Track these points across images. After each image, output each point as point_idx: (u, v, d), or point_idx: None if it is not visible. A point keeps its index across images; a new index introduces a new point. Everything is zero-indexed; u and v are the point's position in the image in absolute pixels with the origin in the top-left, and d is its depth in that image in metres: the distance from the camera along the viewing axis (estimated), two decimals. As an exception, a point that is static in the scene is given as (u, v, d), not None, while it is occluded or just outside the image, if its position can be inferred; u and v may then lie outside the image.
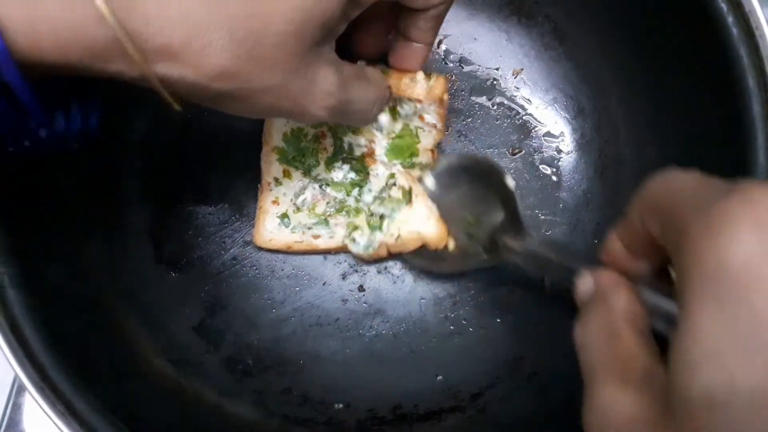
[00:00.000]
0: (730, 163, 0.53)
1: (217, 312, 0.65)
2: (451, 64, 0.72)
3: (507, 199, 0.61)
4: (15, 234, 0.49)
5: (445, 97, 0.64)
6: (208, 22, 0.34)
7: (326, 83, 0.42)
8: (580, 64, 0.69)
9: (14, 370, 0.46)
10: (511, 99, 0.71)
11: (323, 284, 0.67)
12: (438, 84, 0.63)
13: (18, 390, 0.66)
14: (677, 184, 0.31)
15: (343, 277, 0.68)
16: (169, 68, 0.35)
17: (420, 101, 0.63)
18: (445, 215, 0.63)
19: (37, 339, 0.48)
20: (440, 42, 0.72)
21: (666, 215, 0.30)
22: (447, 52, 0.72)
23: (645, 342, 0.31)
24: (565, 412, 0.56)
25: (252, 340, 0.64)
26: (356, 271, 0.68)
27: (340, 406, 0.62)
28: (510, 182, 0.62)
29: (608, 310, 0.34)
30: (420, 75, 0.62)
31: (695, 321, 0.24)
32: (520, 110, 0.71)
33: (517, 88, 0.71)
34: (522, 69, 0.71)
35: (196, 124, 0.67)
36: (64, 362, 0.48)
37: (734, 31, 0.53)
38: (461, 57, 0.72)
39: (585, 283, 0.38)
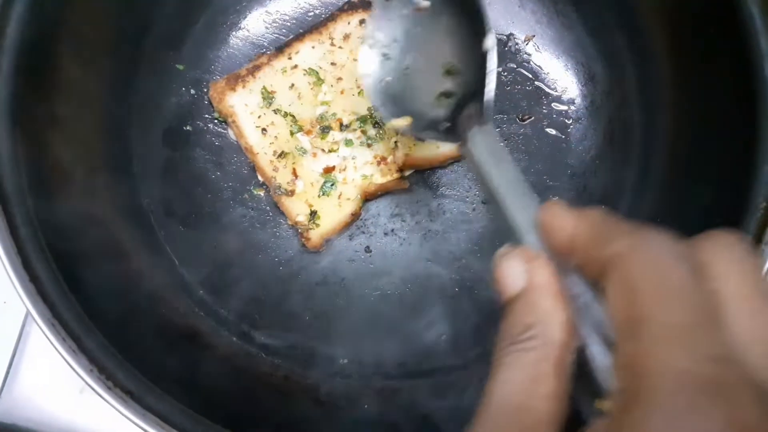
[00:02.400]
0: (741, 124, 0.53)
1: (225, 268, 0.65)
2: (463, 30, 0.72)
3: (481, 65, 0.49)
4: (32, 173, 0.50)
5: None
6: None
7: None
8: (594, 31, 0.69)
9: (26, 307, 0.47)
10: (522, 65, 0.71)
11: (330, 244, 0.68)
12: None
13: (26, 329, 0.67)
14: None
15: (350, 237, 0.68)
16: None
17: None
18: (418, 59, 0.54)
19: (49, 278, 0.48)
20: (453, 6, 0.72)
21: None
22: (459, 17, 0.72)
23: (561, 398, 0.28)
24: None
25: (259, 296, 0.65)
26: (363, 232, 0.68)
27: (345, 361, 0.63)
28: (489, 42, 0.50)
29: (544, 343, 0.29)
30: None
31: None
32: (531, 76, 0.71)
33: (529, 54, 0.71)
34: (534, 35, 0.71)
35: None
36: (76, 303, 0.49)
37: (748, -9, 0.53)
38: (473, 22, 0.72)
39: (512, 272, 0.31)
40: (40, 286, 0.48)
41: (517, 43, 0.71)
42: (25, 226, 0.49)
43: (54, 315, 0.47)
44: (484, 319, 0.64)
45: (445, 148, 0.67)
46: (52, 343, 0.46)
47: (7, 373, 0.69)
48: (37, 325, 0.47)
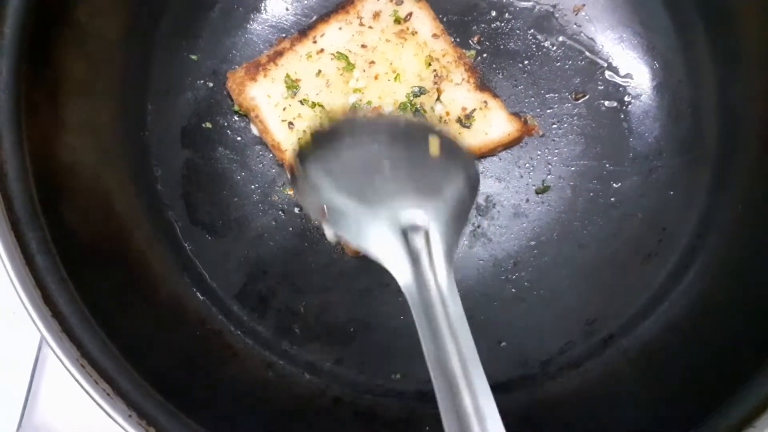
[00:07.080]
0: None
1: (259, 278, 0.60)
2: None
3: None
4: (47, 198, 0.44)
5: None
6: None
7: None
8: (654, -5, 0.62)
9: (50, 347, 0.41)
10: (573, 38, 0.64)
11: (371, 246, 0.62)
12: None
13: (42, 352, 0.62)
14: None
15: (392, 237, 0.62)
16: None
17: None
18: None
19: (72, 312, 0.42)
20: (494, -25, 0.64)
21: None
22: (500, -14, 0.65)
23: None
24: (651, 375, 0.52)
25: (298, 307, 0.59)
26: (406, 231, 0.62)
27: (398, 376, 0.57)
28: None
29: None
30: None
31: None
32: (583, 50, 0.64)
33: (579, 25, 0.64)
34: (584, 5, 0.64)
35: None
36: (105, 338, 0.43)
37: None
38: (516, -8, 0.65)
39: None
40: (64, 321, 0.42)
41: (565, 15, 0.64)
42: (42, 254, 0.42)
43: (83, 354, 0.41)
44: (548, 322, 0.58)
45: (495, 135, 0.60)
46: (83, 387, 0.41)
47: (26, 401, 0.64)
48: (64, 366, 0.41)
